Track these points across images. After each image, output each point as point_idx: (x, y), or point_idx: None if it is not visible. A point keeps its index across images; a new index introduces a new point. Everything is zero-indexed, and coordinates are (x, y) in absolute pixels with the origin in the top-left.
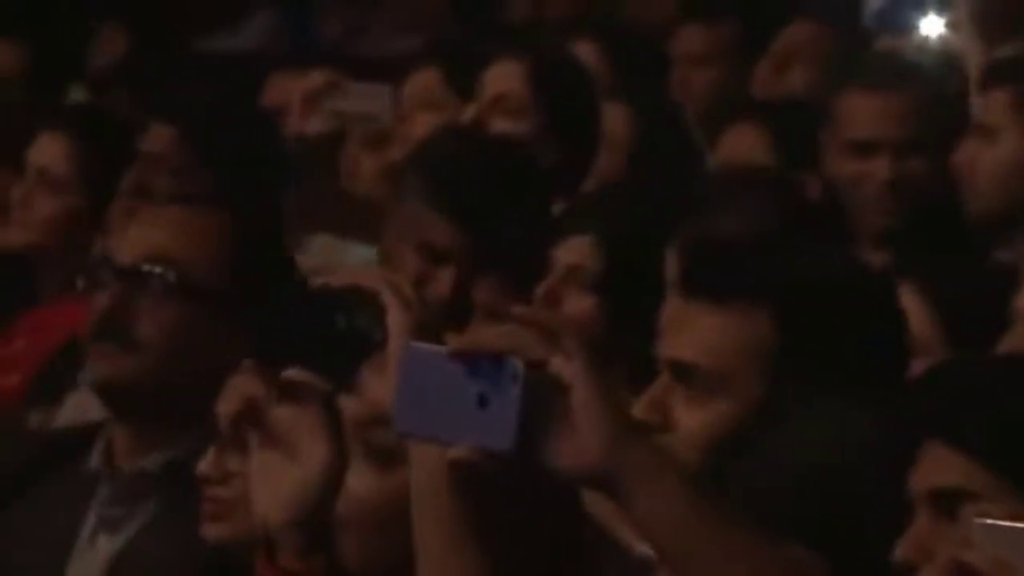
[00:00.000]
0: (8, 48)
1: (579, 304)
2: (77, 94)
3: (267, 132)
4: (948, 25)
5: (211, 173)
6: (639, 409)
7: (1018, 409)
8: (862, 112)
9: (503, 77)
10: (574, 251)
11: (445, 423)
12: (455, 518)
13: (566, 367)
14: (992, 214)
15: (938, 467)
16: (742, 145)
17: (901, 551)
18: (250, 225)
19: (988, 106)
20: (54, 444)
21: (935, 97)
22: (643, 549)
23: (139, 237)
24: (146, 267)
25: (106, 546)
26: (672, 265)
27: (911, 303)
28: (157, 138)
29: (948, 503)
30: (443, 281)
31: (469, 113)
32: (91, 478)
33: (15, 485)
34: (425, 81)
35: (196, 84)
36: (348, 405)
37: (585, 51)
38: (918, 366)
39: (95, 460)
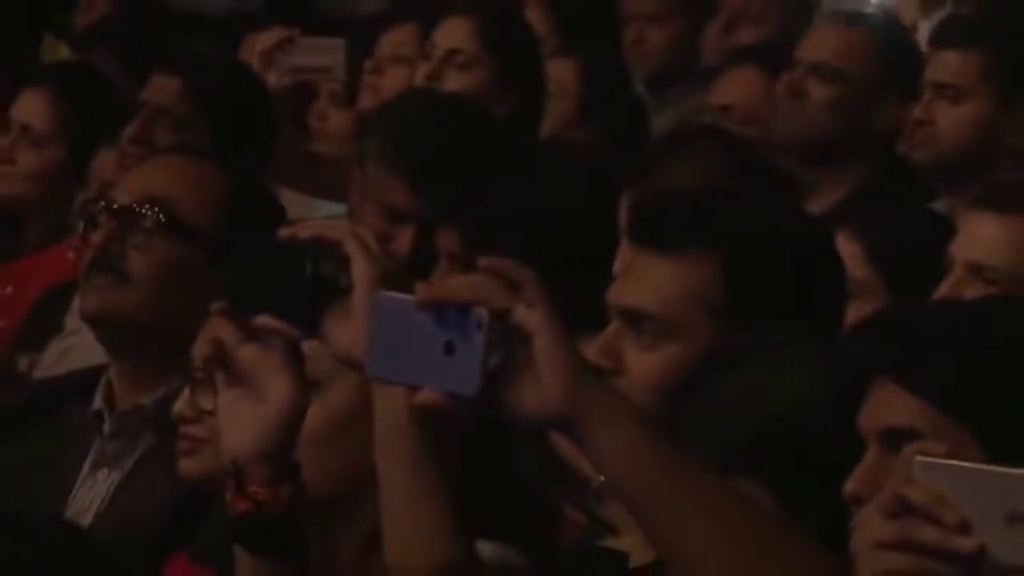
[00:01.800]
0: None
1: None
2: (60, 51)
3: (259, 90)
4: None
5: (209, 127)
6: (590, 354)
7: (971, 354)
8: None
9: (454, 33)
10: None
11: (414, 368)
12: (416, 457)
13: (528, 316)
14: (947, 168)
15: (890, 406)
16: (739, 85)
17: (851, 485)
18: (241, 177)
19: (948, 66)
20: (54, 390)
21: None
22: (599, 480)
23: (136, 181)
24: (140, 207)
25: (106, 479)
26: (624, 215)
27: (850, 249)
28: (161, 90)
29: (897, 441)
30: (403, 240)
31: (424, 70)
32: (92, 419)
33: (17, 427)
34: (399, 36)
35: (200, 42)
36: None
37: (536, 12)
38: (857, 309)
39: (97, 399)
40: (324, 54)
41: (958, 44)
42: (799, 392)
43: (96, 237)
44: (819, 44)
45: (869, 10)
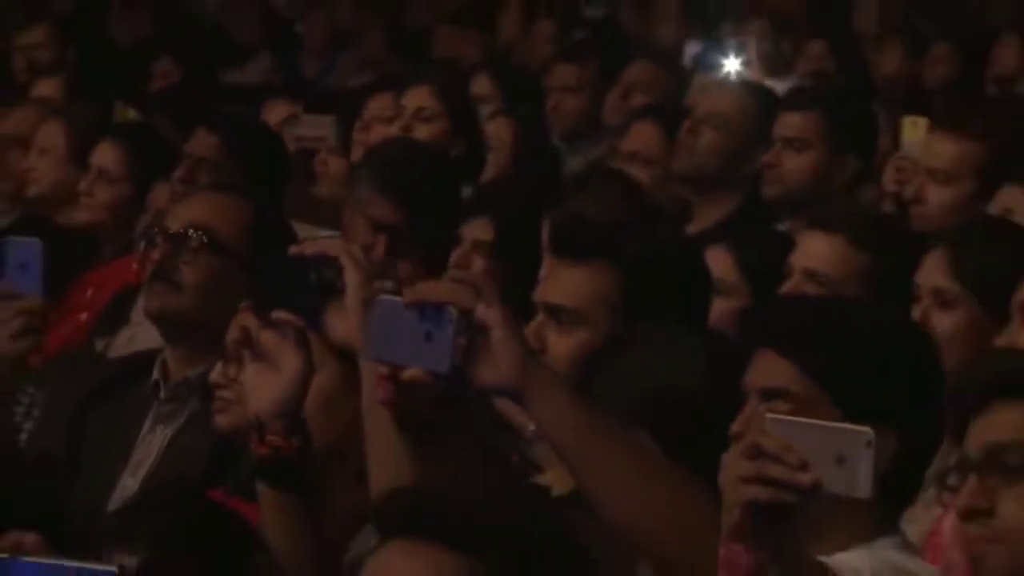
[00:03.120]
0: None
1: (480, 266)
2: (128, 114)
3: (276, 144)
4: (743, 64)
5: (240, 170)
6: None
7: (834, 336)
8: None
9: (420, 96)
10: (477, 228)
11: (401, 352)
12: (392, 420)
13: (487, 313)
14: (789, 200)
15: (769, 371)
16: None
17: (734, 427)
18: (263, 208)
19: (794, 124)
20: (124, 367)
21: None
22: (531, 431)
23: (184, 212)
24: (188, 232)
25: (162, 433)
26: (545, 234)
27: (724, 259)
28: (203, 143)
29: (772, 398)
30: (380, 246)
31: (398, 124)
32: (152, 388)
33: (95, 395)
34: (380, 102)
35: (232, 106)
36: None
37: (482, 83)
38: (725, 304)
39: (155, 373)
40: (320, 127)
41: (802, 108)
42: (679, 365)
43: (155, 254)
44: (713, 99)
45: (730, 76)
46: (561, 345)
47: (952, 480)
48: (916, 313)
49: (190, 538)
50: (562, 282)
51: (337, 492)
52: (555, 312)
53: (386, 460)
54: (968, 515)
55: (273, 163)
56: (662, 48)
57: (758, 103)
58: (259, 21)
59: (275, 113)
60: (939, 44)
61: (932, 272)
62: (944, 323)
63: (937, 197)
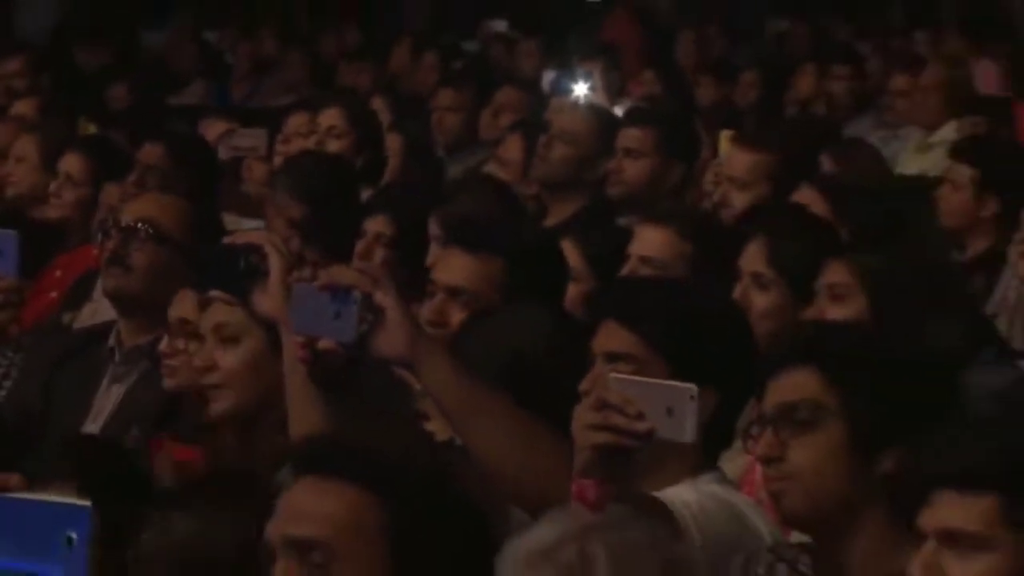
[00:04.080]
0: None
1: (380, 255)
2: (89, 128)
3: (210, 154)
4: (590, 89)
5: (181, 175)
6: (427, 314)
7: (666, 307)
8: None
9: (331, 116)
10: (377, 223)
11: (316, 326)
12: (308, 379)
13: (383, 298)
14: (628, 199)
15: (611, 338)
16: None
17: (583, 385)
18: (199, 205)
19: (632, 136)
20: (86, 336)
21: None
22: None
23: (134, 209)
24: (137, 225)
25: (117, 390)
26: (434, 227)
27: (574, 249)
28: (150, 153)
29: (615, 361)
30: (295, 241)
31: (312, 140)
32: (107, 354)
33: (62, 358)
34: (298, 120)
35: (174, 124)
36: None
37: (378, 103)
38: (574, 288)
39: (111, 340)
40: (254, 139)
41: (638, 123)
42: (535, 334)
43: (110, 243)
44: (565, 119)
45: (579, 99)
46: (458, 317)
47: (754, 431)
48: (737, 292)
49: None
50: (455, 267)
51: (264, 437)
52: (454, 292)
53: (303, 411)
54: (765, 460)
55: (207, 169)
56: (525, 76)
57: (601, 121)
58: (196, 53)
59: (211, 129)
60: (748, 72)
61: (752, 259)
62: (760, 301)
63: (739, 200)
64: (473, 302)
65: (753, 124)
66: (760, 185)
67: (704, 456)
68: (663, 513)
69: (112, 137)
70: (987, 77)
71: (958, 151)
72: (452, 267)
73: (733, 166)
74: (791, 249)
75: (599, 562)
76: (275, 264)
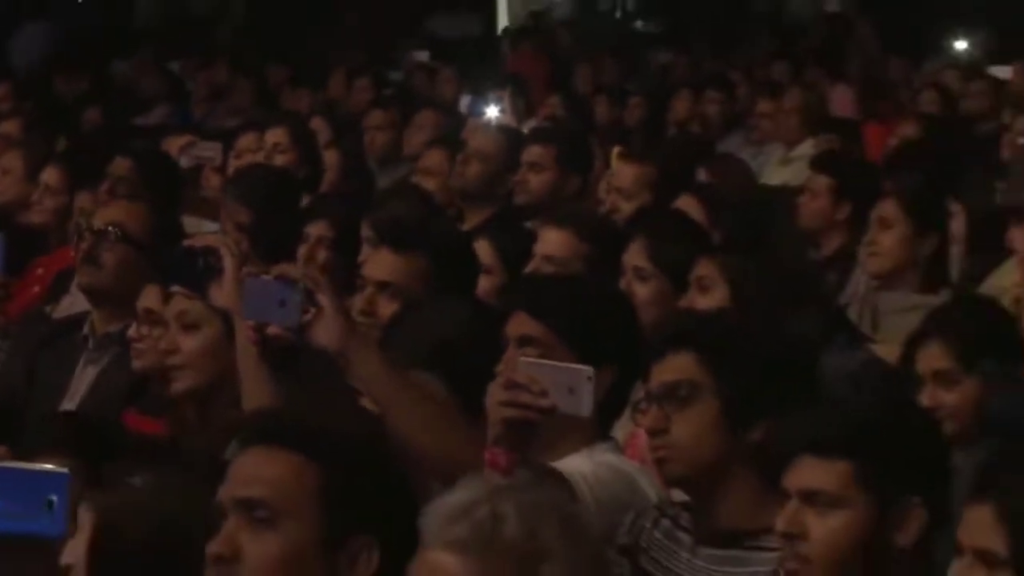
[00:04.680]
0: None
1: (322, 255)
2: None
3: (172, 167)
4: (500, 112)
5: (147, 186)
6: (360, 307)
7: (567, 299)
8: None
9: (276, 135)
10: (318, 227)
11: (265, 313)
12: (259, 360)
13: (322, 296)
14: (533, 206)
15: (521, 325)
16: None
17: (500, 367)
18: (162, 211)
19: (534, 152)
20: (64, 324)
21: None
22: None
23: (105, 214)
24: (108, 228)
25: (91, 371)
26: (366, 230)
27: (487, 247)
28: (120, 166)
29: (526, 344)
30: (245, 243)
31: (260, 156)
32: (82, 341)
33: (43, 344)
34: (249, 138)
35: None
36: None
37: (318, 124)
38: (487, 281)
39: (86, 328)
40: (210, 150)
41: (541, 141)
42: (456, 322)
43: (84, 244)
44: (478, 139)
45: (491, 120)
46: (388, 310)
47: (642, 406)
48: (623, 284)
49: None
50: (384, 265)
51: (219, 412)
52: (383, 287)
53: (255, 388)
54: (651, 432)
55: (169, 181)
56: (444, 101)
57: (509, 140)
58: (159, 81)
59: (173, 144)
60: (635, 97)
61: (634, 255)
62: (641, 292)
63: (626, 208)
64: (399, 294)
65: (640, 141)
66: (643, 194)
67: (599, 428)
68: (560, 480)
69: (86, 152)
70: (842, 101)
71: (816, 164)
72: (380, 264)
73: (620, 178)
74: (668, 247)
75: (508, 519)
76: (229, 263)
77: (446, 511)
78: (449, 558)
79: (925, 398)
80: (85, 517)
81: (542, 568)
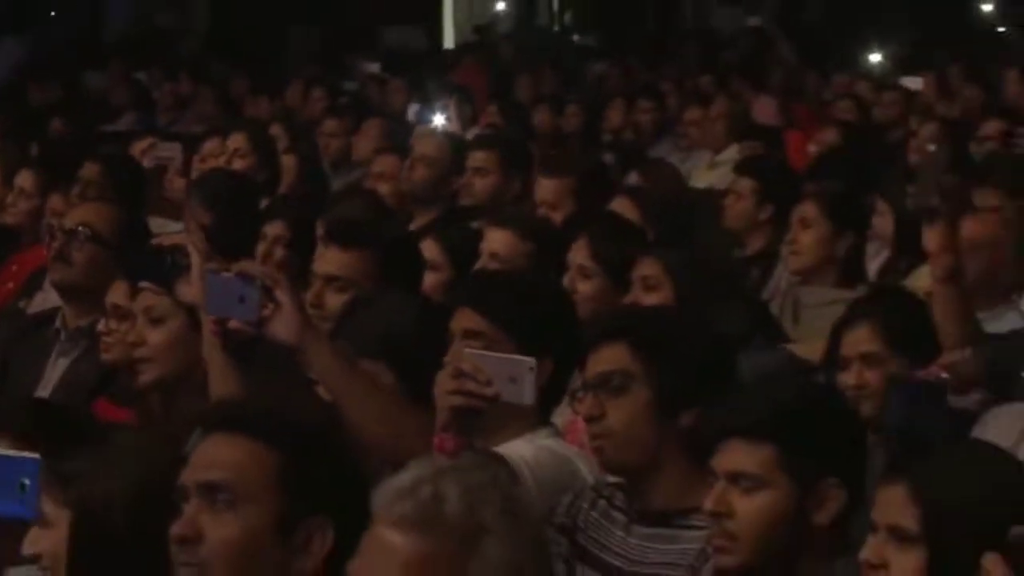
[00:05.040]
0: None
1: (282, 257)
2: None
3: (138, 171)
4: (446, 120)
5: (115, 188)
6: (310, 300)
7: (510, 294)
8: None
9: (237, 140)
10: (276, 227)
11: (227, 308)
12: (223, 352)
13: (280, 293)
14: (477, 207)
15: (467, 319)
16: (388, 163)
17: (447, 358)
18: (128, 212)
19: (478, 157)
20: (37, 319)
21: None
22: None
23: (75, 215)
24: (78, 228)
25: (63, 363)
26: (320, 229)
27: (434, 246)
28: (90, 170)
29: (472, 338)
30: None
31: (222, 160)
32: (54, 334)
33: (17, 337)
34: (213, 144)
35: (109, 147)
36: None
37: (276, 131)
38: (434, 277)
39: (58, 322)
40: (170, 151)
41: (484, 147)
42: (405, 316)
43: (56, 243)
44: (424, 145)
45: (437, 128)
46: (335, 303)
47: (579, 394)
48: (566, 281)
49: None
50: (333, 260)
51: (184, 401)
52: (331, 280)
53: (220, 377)
54: (588, 419)
55: (135, 184)
56: (394, 110)
57: (453, 146)
58: (128, 90)
59: (139, 149)
60: (572, 106)
61: (577, 253)
62: (584, 289)
63: (556, 217)
64: (346, 288)
65: (577, 147)
66: (567, 203)
67: (541, 414)
68: (503, 464)
69: (58, 157)
70: (764, 110)
71: (741, 168)
72: (327, 260)
73: (542, 192)
74: (609, 246)
75: (450, 498)
76: (196, 260)
77: (392, 491)
78: (394, 535)
79: (851, 378)
80: (58, 513)
81: (482, 544)
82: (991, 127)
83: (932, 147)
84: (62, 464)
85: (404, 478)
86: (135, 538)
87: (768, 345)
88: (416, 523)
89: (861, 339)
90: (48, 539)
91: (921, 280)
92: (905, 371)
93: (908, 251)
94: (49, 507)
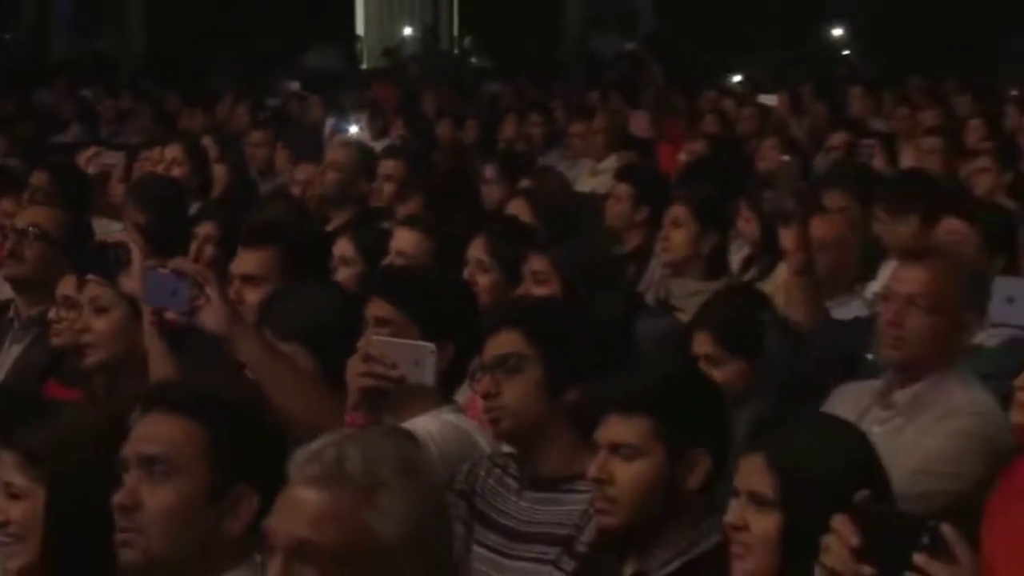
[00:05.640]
0: None
1: (212, 254)
2: None
3: (83, 178)
4: (360, 130)
5: (61, 193)
6: (232, 294)
7: (412, 286)
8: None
9: (174, 151)
10: (207, 227)
11: (163, 300)
12: (160, 339)
13: (208, 287)
14: (386, 208)
15: (378, 308)
16: (307, 171)
17: (359, 344)
18: (74, 214)
19: (387, 166)
20: None
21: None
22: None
23: (26, 216)
24: (29, 228)
25: (16, 349)
26: (244, 232)
27: (346, 244)
28: (39, 178)
29: (380, 326)
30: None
31: (159, 169)
32: (8, 323)
33: None
34: (151, 153)
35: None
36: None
37: (208, 142)
38: (347, 271)
39: (11, 312)
40: (113, 158)
41: (393, 156)
42: (323, 305)
43: (8, 243)
44: (336, 154)
45: (352, 138)
46: (253, 297)
47: (478, 375)
48: (466, 274)
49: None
50: (246, 260)
51: (126, 382)
52: (249, 279)
53: (158, 362)
54: (485, 396)
55: (80, 190)
56: (312, 123)
57: (362, 155)
58: (73, 106)
59: (84, 158)
60: (471, 120)
61: (476, 249)
62: (482, 282)
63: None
64: (260, 284)
65: (476, 157)
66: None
67: (444, 393)
68: (409, 435)
69: (9, 168)
70: (639, 124)
71: (620, 175)
72: (241, 260)
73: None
74: (503, 244)
75: (350, 458)
76: (136, 256)
77: (304, 455)
78: (304, 491)
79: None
80: (30, 487)
81: (378, 498)
82: (837, 138)
83: (786, 158)
84: (26, 440)
85: (314, 445)
86: (103, 507)
87: (660, 314)
88: (321, 480)
89: (701, 343)
90: (18, 509)
91: (779, 276)
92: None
93: (769, 249)
94: (19, 480)
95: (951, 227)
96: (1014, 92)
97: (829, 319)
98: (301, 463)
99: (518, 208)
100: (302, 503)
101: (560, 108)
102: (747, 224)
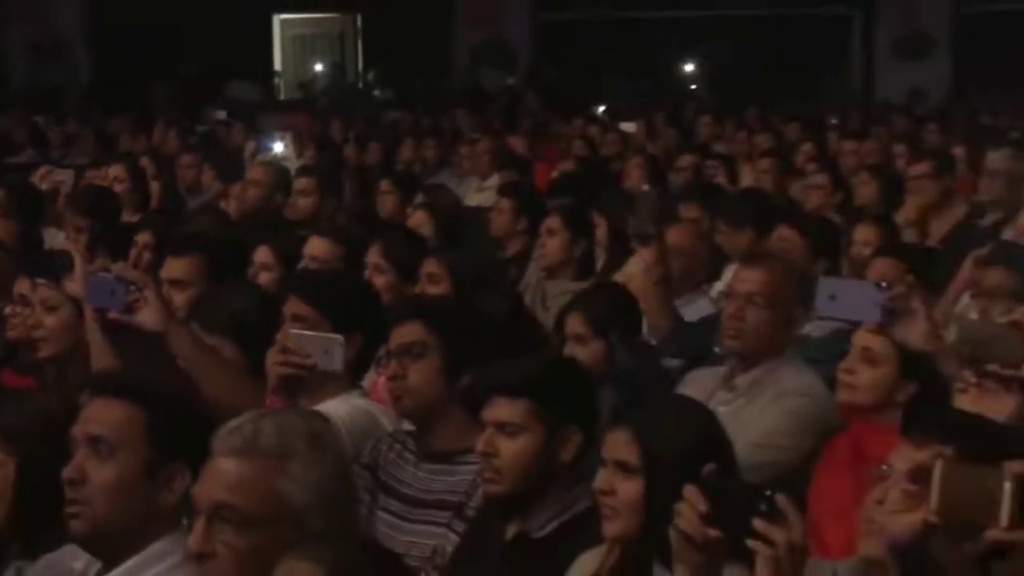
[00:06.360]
0: None
1: (150, 260)
2: None
3: (38, 195)
4: (284, 148)
5: (17, 208)
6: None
7: (332, 287)
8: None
9: (116, 170)
10: (145, 236)
11: (104, 300)
12: (102, 335)
13: (145, 289)
14: (306, 221)
15: (294, 306)
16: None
17: (277, 335)
18: (27, 226)
19: (301, 183)
20: None
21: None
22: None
23: None
24: None
25: None
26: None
27: (267, 252)
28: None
29: (295, 321)
30: (82, 249)
31: (105, 183)
32: None
33: None
34: (96, 172)
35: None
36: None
37: (145, 162)
38: (269, 276)
39: None
40: (63, 176)
41: (307, 175)
42: (246, 303)
43: None
44: (256, 172)
45: (276, 156)
46: (180, 299)
47: (384, 361)
48: (367, 276)
49: None
50: (172, 266)
51: (74, 372)
52: (172, 283)
53: (100, 354)
54: (392, 379)
55: (33, 204)
56: (236, 146)
57: (278, 173)
58: (27, 131)
59: (37, 175)
60: (373, 143)
61: (373, 254)
62: (379, 282)
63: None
64: (185, 288)
65: (378, 176)
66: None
67: (351, 380)
68: (320, 416)
69: None
70: (517, 146)
71: (502, 191)
72: (170, 267)
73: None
74: (399, 248)
75: (265, 431)
76: (78, 262)
77: (226, 431)
78: (224, 461)
79: (570, 351)
80: (4, 459)
81: (288, 465)
82: (686, 160)
83: (646, 187)
84: (2, 419)
85: (234, 421)
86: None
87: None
88: (239, 451)
89: (574, 323)
90: None
91: (630, 267)
92: (606, 350)
93: (617, 251)
94: None
95: (783, 235)
96: (834, 121)
97: (681, 321)
98: (223, 436)
99: (418, 219)
100: (222, 471)
101: (451, 133)
102: (599, 230)
